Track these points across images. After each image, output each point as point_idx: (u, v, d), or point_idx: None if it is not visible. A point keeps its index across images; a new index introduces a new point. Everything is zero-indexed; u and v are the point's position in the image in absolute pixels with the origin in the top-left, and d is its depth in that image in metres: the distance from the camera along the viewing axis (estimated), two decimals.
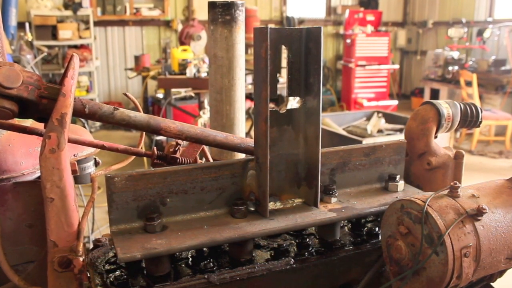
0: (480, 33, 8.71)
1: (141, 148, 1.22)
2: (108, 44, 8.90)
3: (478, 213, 0.78)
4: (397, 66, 10.18)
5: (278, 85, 0.93)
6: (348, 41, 9.25)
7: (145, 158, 1.99)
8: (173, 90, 5.79)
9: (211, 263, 0.88)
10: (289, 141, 0.95)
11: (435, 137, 1.10)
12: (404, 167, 1.10)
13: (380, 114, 5.43)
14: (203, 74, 5.37)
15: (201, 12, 8.85)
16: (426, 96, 8.37)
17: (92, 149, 1.22)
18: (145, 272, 0.85)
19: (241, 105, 1.31)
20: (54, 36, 7.86)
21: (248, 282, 0.86)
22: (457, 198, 0.81)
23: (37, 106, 0.82)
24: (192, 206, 0.90)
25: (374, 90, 9.14)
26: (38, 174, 1.11)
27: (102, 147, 1.11)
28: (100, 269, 0.88)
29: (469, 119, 1.11)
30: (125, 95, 1.19)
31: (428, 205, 0.78)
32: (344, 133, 4.85)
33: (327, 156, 0.99)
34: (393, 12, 11.02)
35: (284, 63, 0.92)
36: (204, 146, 1.17)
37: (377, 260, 0.95)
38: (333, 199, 0.97)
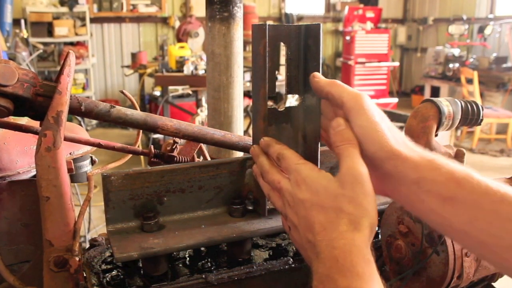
0: (481, 30, 8.70)
1: (138, 146, 1.21)
2: (104, 41, 8.87)
3: None
4: (397, 64, 10.17)
5: (277, 83, 0.92)
6: (348, 38, 9.24)
7: (142, 157, 1.98)
8: (170, 87, 5.78)
9: (209, 263, 0.87)
10: (287, 139, 0.94)
11: (436, 135, 1.09)
12: None
13: None
14: (201, 72, 5.37)
15: (199, 8, 8.82)
16: (427, 94, 8.37)
17: (88, 148, 1.21)
18: (142, 272, 0.84)
19: (239, 103, 1.30)
20: (50, 33, 7.83)
21: (246, 282, 0.85)
22: None
23: (33, 104, 0.81)
24: (190, 205, 0.89)
25: (374, 88, 9.13)
26: (33, 172, 1.10)
27: (99, 146, 1.10)
28: (96, 269, 0.87)
29: (470, 117, 1.10)
30: (122, 92, 1.18)
31: None
32: None
33: (326, 155, 0.98)
34: (393, 8, 11.01)
35: (282, 60, 0.91)
36: (202, 145, 1.16)
37: (377, 260, 0.94)
38: None
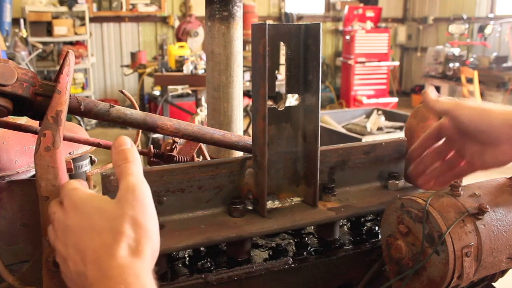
0: (481, 29, 8.69)
1: (138, 146, 1.21)
2: (104, 41, 8.86)
3: (479, 212, 0.77)
4: (397, 63, 10.17)
5: (277, 82, 0.92)
6: (348, 37, 9.24)
7: (141, 156, 1.98)
8: (170, 87, 5.78)
9: (208, 263, 0.87)
10: (287, 139, 0.94)
11: None
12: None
13: (380, 112, 5.43)
14: (200, 71, 5.37)
15: (198, 8, 8.81)
16: None
17: (87, 147, 1.20)
18: None
19: (239, 103, 1.30)
20: (49, 33, 7.82)
21: (246, 282, 0.85)
22: (458, 197, 0.80)
23: (32, 104, 0.81)
24: (189, 205, 0.89)
25: (374, 87, 9.14)
26: (33, 172, 1.09)
27: (98, 145, 1.10)
28: None
29: None
30: (121, 92, 1.18)
31: (429, 204, 0.77)
32: (344, 131, 4.84)
33: (326, 154, 0.98)
34: (393, 8, 11.00)
35: (282, 59, 0.91)
36: (201, 144, 1.16)
37: (377, 260, 0.94)
38: (332, 198, 0.96)
